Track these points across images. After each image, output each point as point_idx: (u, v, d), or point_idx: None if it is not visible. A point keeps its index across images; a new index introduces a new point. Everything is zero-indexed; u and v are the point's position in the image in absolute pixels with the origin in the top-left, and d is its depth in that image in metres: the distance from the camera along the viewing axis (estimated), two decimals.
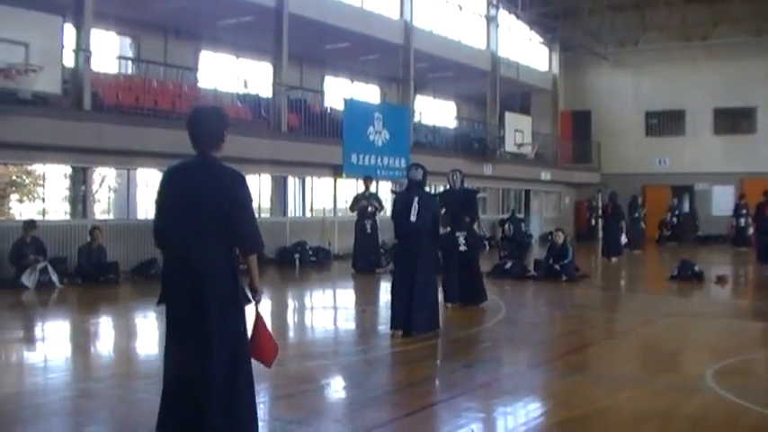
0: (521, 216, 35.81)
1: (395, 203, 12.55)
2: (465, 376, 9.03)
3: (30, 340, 12.07)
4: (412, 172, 12.27)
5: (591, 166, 42.18)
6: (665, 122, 41.11)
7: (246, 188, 6.17)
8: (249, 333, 6.10)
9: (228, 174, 6.09)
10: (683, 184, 39.70)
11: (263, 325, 6.23)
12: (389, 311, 11.79)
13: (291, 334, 12.77)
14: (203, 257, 5.90)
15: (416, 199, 11.85)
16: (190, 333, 5.88)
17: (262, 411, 7.37)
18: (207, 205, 5.94)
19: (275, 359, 6.39)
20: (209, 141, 6.14)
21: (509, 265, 20.15)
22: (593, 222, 33.93)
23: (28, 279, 16.89)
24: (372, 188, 23.29)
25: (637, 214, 31.77)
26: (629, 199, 32.36)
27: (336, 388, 8.66)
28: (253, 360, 6.13)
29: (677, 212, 37.46)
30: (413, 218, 11.72)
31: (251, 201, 6.24)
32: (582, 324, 13.51)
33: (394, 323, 11.48)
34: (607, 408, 7.51)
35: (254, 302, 6.14)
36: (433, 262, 12.36)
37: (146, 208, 25.11)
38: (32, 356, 10.76)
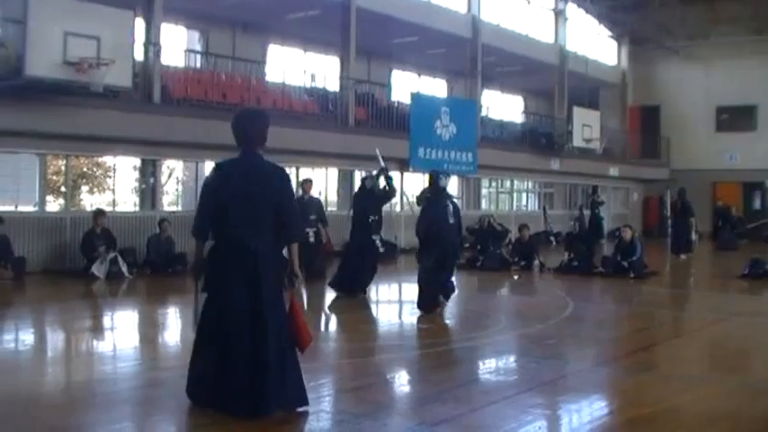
0: (600, 200, 35.59)
1: (432, 208, 13.40)
2: (531, 372, 8.98)
3: (100, 329, 12.28)
4: (444, 180, 13.60)
5: (659, 161, 41.68)
6: (736, 118, 40.36)
7: (291, 183, 7.08)
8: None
9: (277, 171, 6.90)
10: (754, 181, 39.05)
11: (299, 312, 6.94)
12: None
13: (358, 327, 12.80)
14: (260, 247, 6.65)
15: (450, 205, 13.24)
16: (246, 313, 6.57)
17: (328, 404, 7.42)
18: (262, 199, 6.71)
19: (309, 346, 7.05)
20: (255, 140, 6.91)
21: (576, 261, 19.99)
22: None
23: (98, 269, 17.18)
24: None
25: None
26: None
27: (402, 382, 8.68)
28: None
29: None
30: (451, 220, 13.08)
31: (294, 194, 7.20)
32: (650, 322, 13.37)
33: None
34: (675, 407, 7.41)
35: (291, 287, 6.96)
36: None
37: None
38: (102, 345, 10.94)
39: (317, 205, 18.30)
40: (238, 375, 6.55)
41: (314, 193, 18.59)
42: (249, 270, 6.60)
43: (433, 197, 13.51)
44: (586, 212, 32.53)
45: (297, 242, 6.94)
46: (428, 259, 13.27)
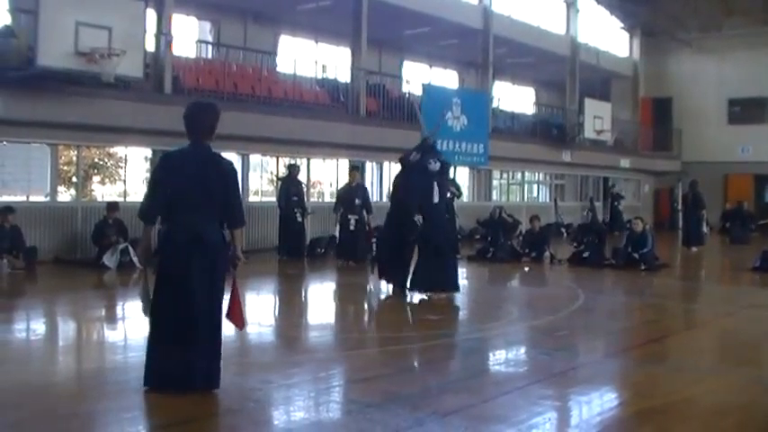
0: (621, 193, 35.50)
1: (417, 188, 13.83)
2: (542, 364, 8.97)
3: (111, 319, 12.31)
4: (433, 165, 13.73)
5: (671, 153, 41.54)
6: (749, 110, 40.13)
7: (237, 173, 7.49)
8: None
9: (226, 161, 7.36)
10: (766, 173, 38.91)
11: (238, 294, 7.38)
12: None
13: (368, 318, 12.82)
14: (212, 233, 7.11)
15: (435, 184, 13.60)
16: (201, 296, 6.97)
17: (338, 394, 7.44)
18: (213, 189, 7.11)
19: (244, 327, 7.81)
20: (206, 132, 7.38)
21: (587, 253, 19.95)
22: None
23: (109, 259, 17.21)
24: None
25: None
26: None
27: (412, 372, 8.67)
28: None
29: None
30: (436, 199, 13.58)
31: (239, 184, 7.65)
32: (661, 314, 13.33)
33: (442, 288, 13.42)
34: (686, 399, 7.40)
35: (234, 270, 7.36)
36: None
37: None
38: (113, 335, 10.99)
39: (362, 193, 18.82)
40: (198, 355, 6.95)
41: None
42: (203, 255, 7.00)
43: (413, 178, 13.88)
44: (598, 204, 32.52)
45: (241, 227, 7.36)
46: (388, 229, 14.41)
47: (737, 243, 29.09)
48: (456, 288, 13.58)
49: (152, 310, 7.22)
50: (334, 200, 25.87)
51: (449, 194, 20.58)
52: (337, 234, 19.23)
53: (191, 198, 7.06)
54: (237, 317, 7.41)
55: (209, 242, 7.03)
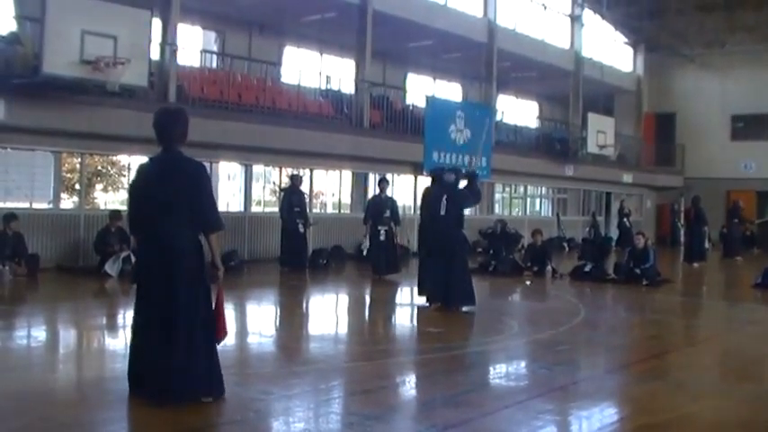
0: (627, 212, 35.51)
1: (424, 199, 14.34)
2: (542, 378, 8.96)
3: (112, 327, 12.30)
4: (448, 176, 14.03)
5: (674, 169, 41.57)
6: (752, 126, 40.19)
7: (207, 176, 7.32)
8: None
9: (192, 164, 7.15)
10: None
11: (221, 305, 7.27)
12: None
13: (369, 330, 12.81)
14: (175, 242, 6.97)
15: (445, 196, 13.60)
16: (162, 306, 6.91)
17: (338, 406, 7.42)
18: (178, 195, 6.98)
19: (224, 339, 7.34)
20: (175, 138, 7.24)
21: (588, 267, 19.94)
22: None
23: (111, 267, 17.21)
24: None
25: None
26: None
27: (413, 385, 8.67)
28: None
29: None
30: (443, 212, 13.55)
31: (211, 187, 7.45)
32: (662, 329, 13.31)
33: (433, 298, 13.67)
34: (687, 415, 7.39)
35: (218, 280, 7.16)
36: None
37: (227, 200, 25.41)
38: (115, 343, 10.95)
39: (391, 204, 18.92)
40: (148, 361, 6.94)
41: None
42: (166, 262, 6.94)
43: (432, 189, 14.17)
44: (600, 219, 32.53)
45: (216, 232, 7.16)
46: (422, 250, 14.43)
47: (730, 256, 29.05)
48: (450, 302, 13.51)
49: (133, 319, 7.29)
50: (336, 211, 26.10)
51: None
52: (369, 246, 18.97)
53: (161, 205, 7.01)
54: (218, 328, 7.24)
55: (178, 249, 6.96)
